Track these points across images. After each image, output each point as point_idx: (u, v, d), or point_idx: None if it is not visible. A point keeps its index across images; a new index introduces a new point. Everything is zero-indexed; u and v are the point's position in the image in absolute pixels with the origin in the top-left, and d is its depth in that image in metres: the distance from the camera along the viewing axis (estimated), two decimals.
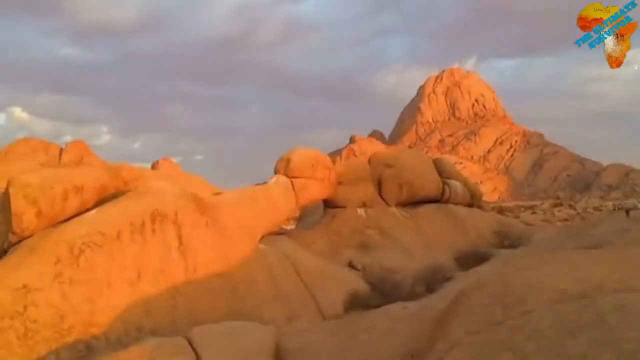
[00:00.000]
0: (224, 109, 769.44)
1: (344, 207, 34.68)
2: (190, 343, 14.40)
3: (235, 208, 23.77)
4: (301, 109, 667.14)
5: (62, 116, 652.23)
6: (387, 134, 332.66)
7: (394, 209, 37.53)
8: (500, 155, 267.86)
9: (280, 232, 30.08)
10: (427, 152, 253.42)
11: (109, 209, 18.54)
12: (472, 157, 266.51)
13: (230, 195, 25.07)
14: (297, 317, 21.53)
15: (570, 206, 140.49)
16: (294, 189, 28.49)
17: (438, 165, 44.92)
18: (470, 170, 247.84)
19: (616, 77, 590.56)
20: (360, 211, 34.94)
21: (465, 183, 46.35)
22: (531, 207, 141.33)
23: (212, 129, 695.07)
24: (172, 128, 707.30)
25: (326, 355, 17.19)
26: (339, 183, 33.78)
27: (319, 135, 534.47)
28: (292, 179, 28.79)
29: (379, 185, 38.11)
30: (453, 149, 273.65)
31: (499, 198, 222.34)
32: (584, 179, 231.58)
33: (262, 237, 25.39)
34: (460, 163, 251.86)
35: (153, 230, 18.84)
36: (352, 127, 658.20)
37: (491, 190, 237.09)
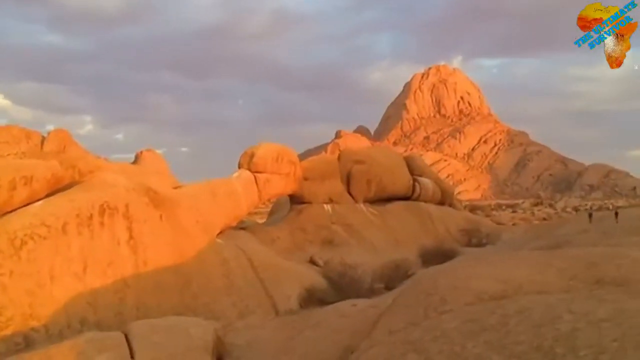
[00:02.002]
0: (209, 101, 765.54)
1: (311, 202, 34.66)
2: (127, 338, 14.32)
3: (193, 202, 23.62)
4: (288, 102, 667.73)
5: (45, 105, 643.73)
6: (373, 130, 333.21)
7: (361, 205, 37.62)
8: (484, 154, 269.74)
9: (242, 227, 30.02)
10: (411, 149, 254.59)
11: (55, 200, 18.35)
12: (456, 154, 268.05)
13: (189, 189, 24.90)
14: (250, 313, 21.53)
15: (550, 205, 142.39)
16: (257, 184, 28.39)
17: (410, 163, 45.08)
18: (454, 168, 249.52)
19: (600, 77, 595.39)
20: (327, 207, 34.96)
21: (436, 181, 46.59)
22: (512, 206, 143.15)
23: (198, 121, 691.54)
24: (156, 119, 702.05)
25: (271, 351, 17.26)
26: (306, 178, 33.74)
27: (306, 129, 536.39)
28: (256, 174, 28.69)
29: (347, 181, 38.16)
30: (438, 146, 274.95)
31: (482, 196, 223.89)
32: (566, 178, 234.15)
33: (222, 232, 25.32)
34: (445, 160, 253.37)
35: (101, 223, 18.66)
36: (338, 122, 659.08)
37: (474, 188, 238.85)
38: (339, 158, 39.98)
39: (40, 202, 18.17)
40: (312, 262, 29.29)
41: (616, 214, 35.04)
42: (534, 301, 9.12)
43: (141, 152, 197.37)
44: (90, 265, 17.94)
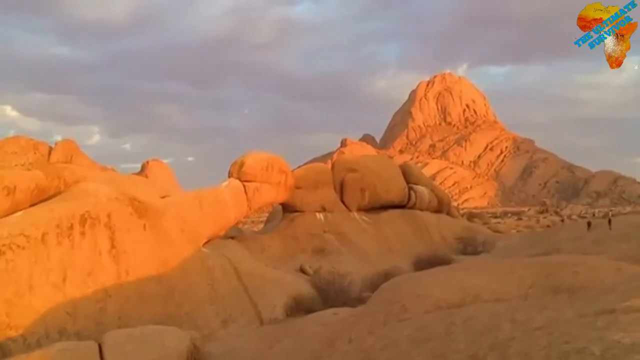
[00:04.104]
0: (216, 110, 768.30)
1: (303, 211, 34.66)
2: (100, 347, 14.36)
3: (179, 211, 23.68)
4: (294, 111, 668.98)
5: (53, 115, 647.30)
6: (378, 138, 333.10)
7: (355, 214, 37.56)
8: (491, 161, 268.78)
9: (232, 236, 30.03)
10: (417, 157, 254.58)
11: (35, 210, 18.50)
12: (462, 162, 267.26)
13: (176, 199, 25.01)
14: (233, 322, 21.52)
15: (556, 213, 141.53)
16: (246, 193, 28.42)
17: (405, 171, 45.02)
18: (460, 176, 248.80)
19: (607, 84, 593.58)
20: (319, 216, 34.93)
21: (433, 189, 46.48)
22: (518, 213, 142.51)
23: (204, 130, 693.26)
24: (163, 129, 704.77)
25: None
26: (298, 187, 33.77)
27: (312, 138, 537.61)
28: (245, 183, 28.72)
29: (341, 189, 38.16)
30: (444, 154, 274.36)
31: (488, 204, 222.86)
32: (573, 185, 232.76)
33: (210, 241, 25.37)
34: (451, 168, 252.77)
35: (82, 233, 18.75)
36: (344, 130, 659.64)
37: (481, 196, 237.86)
38: (332, 166, 40.11)
39: (20, 213, 18.33)
40: (302, 270, 29.27)
41: (609, 221, 34.86)
42: (481, 310, 9.10)
43: (147, 162, 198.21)
44: (70, 275, 18.00)
